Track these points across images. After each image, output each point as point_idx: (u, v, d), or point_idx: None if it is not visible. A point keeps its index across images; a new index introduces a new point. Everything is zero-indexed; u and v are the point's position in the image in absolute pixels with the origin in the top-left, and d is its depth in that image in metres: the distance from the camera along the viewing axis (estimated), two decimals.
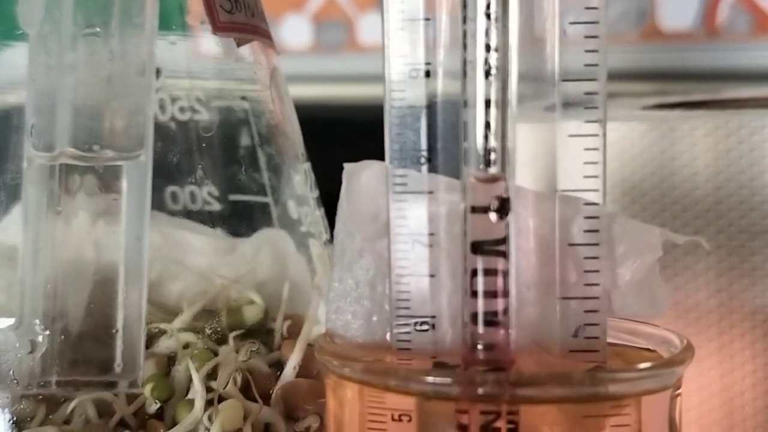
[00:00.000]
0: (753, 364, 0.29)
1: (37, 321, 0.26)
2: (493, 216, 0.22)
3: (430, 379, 0.21)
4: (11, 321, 0.26)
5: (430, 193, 0.23)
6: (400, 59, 0.23)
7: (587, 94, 0.23)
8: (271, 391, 0.29)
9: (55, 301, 0.27)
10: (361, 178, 0.23)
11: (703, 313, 0.29)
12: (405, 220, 0.23)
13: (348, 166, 0.24)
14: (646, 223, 0.29)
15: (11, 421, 0.26)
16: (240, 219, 0.33)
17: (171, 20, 0.32)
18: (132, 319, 0.28)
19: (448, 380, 0.21)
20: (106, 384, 0.27)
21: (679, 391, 0.23)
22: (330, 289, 0.24)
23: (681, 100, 0.37)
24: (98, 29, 0.27)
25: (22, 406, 0.27)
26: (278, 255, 0.33)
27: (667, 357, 0.22)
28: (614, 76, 0.57)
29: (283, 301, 0.31)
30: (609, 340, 0.23)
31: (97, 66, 0.28)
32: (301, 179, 0.33)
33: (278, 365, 0.30)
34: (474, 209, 0.22)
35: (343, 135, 0.61)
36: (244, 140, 0.33)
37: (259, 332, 0.31)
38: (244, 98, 0.33)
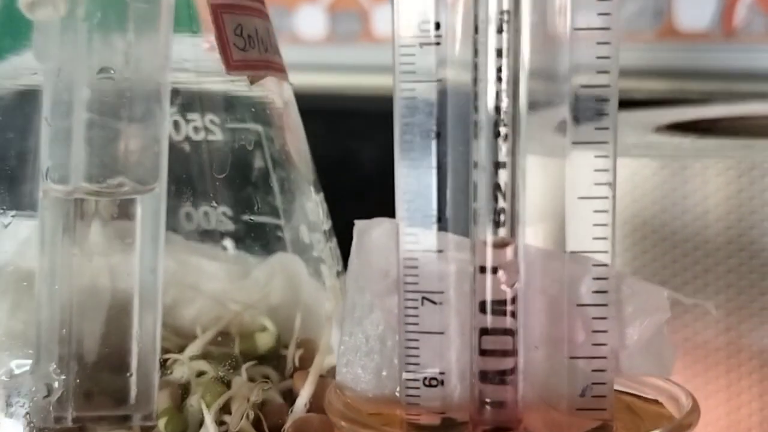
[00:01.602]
0: (760, 402, 0.29)
1: (54, 365, 0.26)
2: (501, 279, 0.22)
3: None
4: (26, 363, 0.27)
5: (440, 251, 0.23)
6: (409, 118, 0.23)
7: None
8: (282, 423, 0.29)
9: (70, 340, 0.27)
10: (372, 235, 0.24)
11: (711, 351, 0.29)
12: (415, 278, 0.23)
13: (359, 224, 0.24)
14: (657, 258, 0.30)
15: None
16: (253, 240, 0.33)
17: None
18: (146, 350, 0.28)
19: None
20: (121, 418, 0.28)
21: None
22: (340, 343, 0.24)
23: (696, 118, 0.37)
24: (113, 68, 0.28)
25: None
26: (291, 279, 0.33)
27: (674, 422, 0.23)
28: (630, 73, 0.58)
29: (296, 328, 0.31)
30: (617, 387, 0.23)
31: (111, 98, 0.28)
32: (313, 207, 0.33)
33: (290, 394, 0.30)
34: (483, 269, 0.22)
35: (356, 125, 0.61)
36: (258, 162, 0.33)
37: (271, 359, 0.31)
38: (257, 122, 0.33)
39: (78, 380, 0.27)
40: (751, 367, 0.29)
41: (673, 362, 0.23)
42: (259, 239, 0.33)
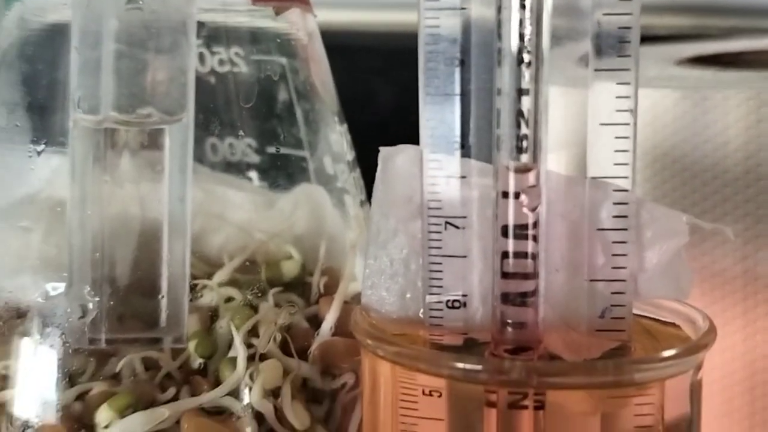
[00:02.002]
0: None
1: (87, 287, 0.27)
2: (523, 203, 0.23)
3: (459, 365, 0.22)
4: (61, 285, 0.28)
5: (463, 177, 0.24)
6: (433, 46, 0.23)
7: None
8: (308, 348, 0.30)
9: (102, 264, 0.28)
10: (396, 161, 0.24)
11: (728, 278, 0.30)
12: (439, 203, 0.24)
13: (383, 150, 0.24)
14: (677, 188, 0.30)
15: (63, 377, 0.28)
16: (278, 171, 0.34)
17: None
18: (176, 276, 0.29)
19: (477, 367, 0.22)
20: (152, 340, 0.29)
21: (701, 365, 0.24)
22: (365, 266, 0.25)
23: (718, 51, 0.37)
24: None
25: (73, 363, 0.28)
26: (315, 210, 0.34)
27: (690, 342, 0.23)
28: (652, 9, 0.57)
29: (321, 256, 0.32)
30: (636, 311, 0.24)
31: (139, 30, 0.28)
32: (336, 138, 0.34)
33: (315, 319, 0.31)
34: (505, 195, 0.23)
35: (377, 62, 0.61)
36: (282, 95, 0.34)
37: (297, 286, 0.32)
38: (281, 54, 0.34)
39: (111, 303, 0.28)
40: (767, 295, 0.30)
41: (690, 286, 0.24)
42: (283, 171, 0.34)
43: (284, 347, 0.29)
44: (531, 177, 0.23)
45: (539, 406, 0.22)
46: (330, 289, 0.32)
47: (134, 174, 0.29)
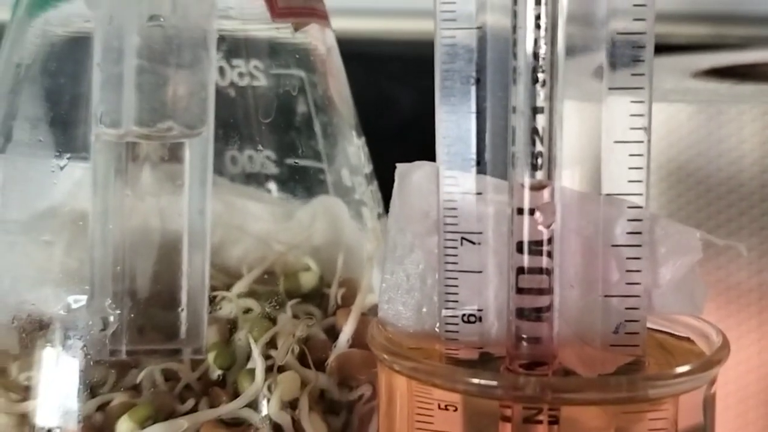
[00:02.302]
0: None
1: (108, 300, 0.28)
2: (538, 220, 0.23)
3: (475, 380, 0.22)
4: (82, 298, 0.28)
5: (479, 193, 0.24)
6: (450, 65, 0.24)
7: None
8: (325, 358, 0.30)
9: (123, 277, 0.28)
10: (413, 178, 0.24)
11: (744, 292, 0.30)
12: (455, 219, 0.24)
13: (400, 167, 0.25)
14: (691, 202, 0.30)
15: (84, 388, 0.28)
16: (296, 183, 0.34)
17: None
18: (196, 288, 0.29)
19: (492, 383, 0.22)
20: (172, 351, 0.29)
21: (715, 380, 0.24)
22: (382, 281, 0.25)
23: (734, 63, 0.38)
24: (162, 15, 0.28)
25: (94, 374, 0.28)
26: (333, 221, 0.34)
27: (704, 358, 0.23)
28: (668, 18, 0.57)
29: (339, 268, 0.32)
30: (650, 325, 0.24)
31: (160, 45, 0.29)
32: (354, 151, 0.34)
33: (332, 330, 0.31)
34: (520, 211, 0.23)
35: (395, 70, 0.61)
36: (301, 108, 0.34)
37: (315, 297, 0.32)
38: (300, 67, 0.34)
39: (131, 315, 0.28)
40: None
41: (704, 301, 0.24)
42: (301, 182, 0.34)
43: (302, 359, 0.30)
44: (546, 194, 0.23)
45: (554, 421, 0.23)
46: (347, 301, 0.32)
47: (155, 187, 0.30)
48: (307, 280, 0.32)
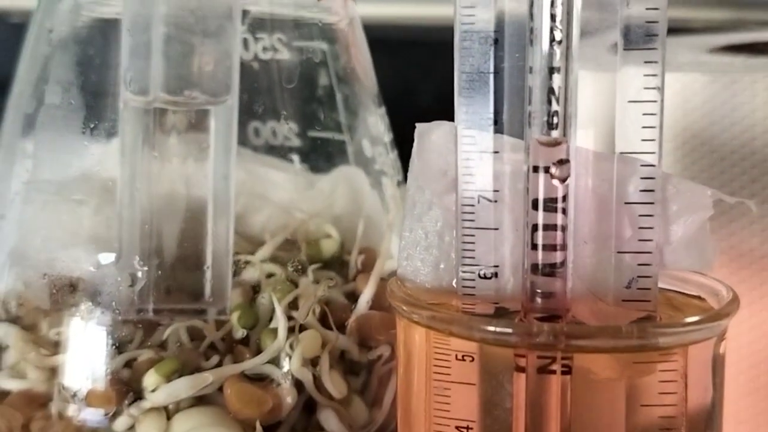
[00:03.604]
0: None
1: (137, 257, 0.28)
2: (553, 176, 0.24)
3: (490, 328, 0.23)
4: (111, 255, 0.29)
5: (496, 152, 0.25)
6: (469, 25, 0.24)
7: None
8: (346, 321, 0.31)
9: (151, 237, 0.29)
10: (431, 137, 0.25)
11: (756, 258, 0.31)
12: (472, 177, 0.25)
13: (420, 126, 0.25)
14: (705, 169, 0.31)
15: (112, 345, 0.29)
16: (318, 155, 0.35)
17: None
18: (220, 251, 0.30)
19: (507, 330, 0.23)
20: (198, 311, 0.30)
21: (724, 336, 0.25)
22: (401, 238, 0.26)
23: (749, 41, 0.38)
24: None
25: (121, 331, 0.29)
26: (354, 191, 0.35)
27: (713, 310, 0.24)
28: (687, 2, 0.57)
29: (358, 236, 0.33)
30: (661, 285, 0.25)
31: (186, 14, 0.30)
32: (375, 121, 0.35)
33: (353, 296, 0.32)
34: (536, 169, 0.24)
35: (418, 56, 0.62)
36: (323, 80, 0.35)
37: (335, 264, 0.33)
38: (323, 40, 0.35)
39: (158, 274, 0.29)
40: None
41: (715, 257, 0.24)
42: (323, 154, 0.35)
43: (323, 320, 0.31)
44: (561, 151, 0.23)
45: (566, 371, 0.23)
46: (367, 267, 0.33)
47: (181, 153, 0.31)
48: (328, 248, 0.33)
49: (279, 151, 0.35)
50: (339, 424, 0.30)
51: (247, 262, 0.32)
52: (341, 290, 0.32)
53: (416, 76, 0.62)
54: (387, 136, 0.35)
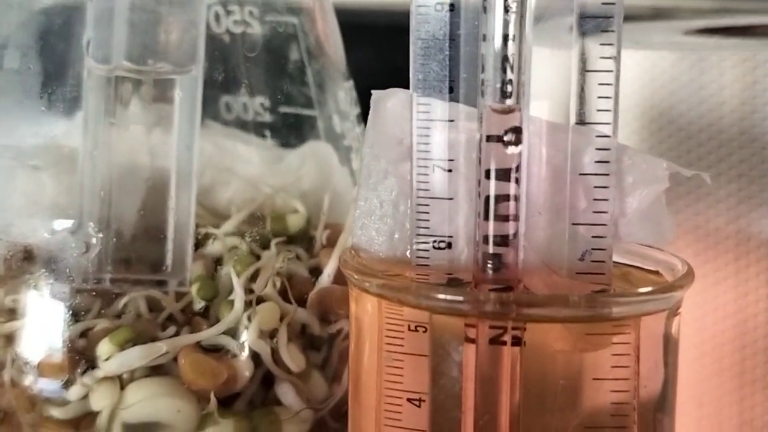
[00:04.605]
0: (767, 288, 0.30)
1: (92, 224, 0.28)
2: (506, 144, 0.23)
3: (441, 296, 0.23)
4: (68, 223, 0.29)
5: (451, 121, 0.24)
6: None
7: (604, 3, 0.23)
8: (307, 292, 0.31)
9: (110, 205, 0.29)
10: (387, 104, 0.25)
11: (722, 238, 0.30)
12: (427, 146, 0.24)
13: (375, 93, 0.25)
14: (672, 148, 0.31)
15: (68, 314, 0.29)
16: (289, 130, 0.35)
17: None
18: (181, 222, 0.30)
19: (458, 298, 0.23)
20: (156, 282, 0.30)
21: (678, 311, 0.24)
22: (356, 207, 0.26)
23: (725, 25, 0.38)
24: None
25: (78, 301, 0.29)
26: (322, 166, 0.35)
27: (667, 282, 0.24)
28: None
29: (324, 211, 0.33)
30: (617, 260, 0.25)
31: None
32: (344, 96, 0.35)
33: (317, 270, 0.32)
34: (489, 138, 0.23)
35: (402, 42, 0.62)
36: (293, 55, 0.35)
37: (301, 239, 0.33)
38: (293, 14, 0.34)
39: (118, 243, 0.29)
40: (760, 255, 0.30)
41: (671, 232, 0.24)
42: (294, 129, 0.35)
43: (284, 294, 0.30)
44: (514, 119, 0.23)
45: (517, 343, 0.23)
46: (333, 242, 0.32)
47: (145, 122, 0.30)
48: (294, 222, 0.33)
49: (250, 126, 0.35)
50: (296, 397, 0.29)
51: (210, 235, 0.31)
52: (306, 265, 0.32)
53: (402, 63, 0.62)
54: (354, 110, 0.35)
